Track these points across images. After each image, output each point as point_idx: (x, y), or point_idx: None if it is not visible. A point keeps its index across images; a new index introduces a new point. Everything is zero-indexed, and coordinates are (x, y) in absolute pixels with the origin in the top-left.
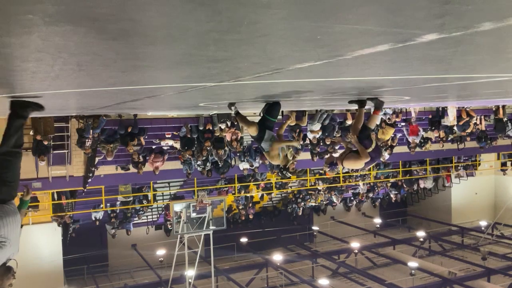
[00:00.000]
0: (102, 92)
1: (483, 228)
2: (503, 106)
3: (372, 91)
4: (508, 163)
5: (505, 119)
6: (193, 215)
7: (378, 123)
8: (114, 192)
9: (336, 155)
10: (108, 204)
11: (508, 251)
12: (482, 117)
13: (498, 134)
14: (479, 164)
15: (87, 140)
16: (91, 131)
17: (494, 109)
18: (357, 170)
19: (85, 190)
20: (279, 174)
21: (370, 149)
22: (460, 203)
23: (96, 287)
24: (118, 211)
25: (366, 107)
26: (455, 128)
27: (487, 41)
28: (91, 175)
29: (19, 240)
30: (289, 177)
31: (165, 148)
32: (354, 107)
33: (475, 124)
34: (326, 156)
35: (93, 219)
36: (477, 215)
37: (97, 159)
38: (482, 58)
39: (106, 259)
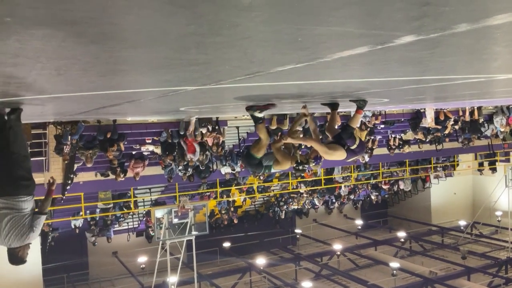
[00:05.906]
0: (81, 97)
1: (462, 228)
2: (479, 108)
3: (352, 93)
4: (485, 163)
5: (481, 120)
6: (175, 220)
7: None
8: (93, 199)
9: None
10: (88, 212)
11: (487, 250)
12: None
13: (472, 135)
14: (457, 165)
15: (65, 146)
16: (69, 137)
17: (470, 110)
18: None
19: (64, 197)
20: (296, 175)
21: (354, 146)
22: (439, 203)
23: None
24: (98, 218)
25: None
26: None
27: (463, 42)
28: (70, 182)
29: None
30: (304, 171)
31: (145, 153)
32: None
33: (453, 124)
34: (308, 152)
35: (73, 227)
36: (456, 215)
37: (76, 165)
38: (459, 59)
39: (86, 267)
